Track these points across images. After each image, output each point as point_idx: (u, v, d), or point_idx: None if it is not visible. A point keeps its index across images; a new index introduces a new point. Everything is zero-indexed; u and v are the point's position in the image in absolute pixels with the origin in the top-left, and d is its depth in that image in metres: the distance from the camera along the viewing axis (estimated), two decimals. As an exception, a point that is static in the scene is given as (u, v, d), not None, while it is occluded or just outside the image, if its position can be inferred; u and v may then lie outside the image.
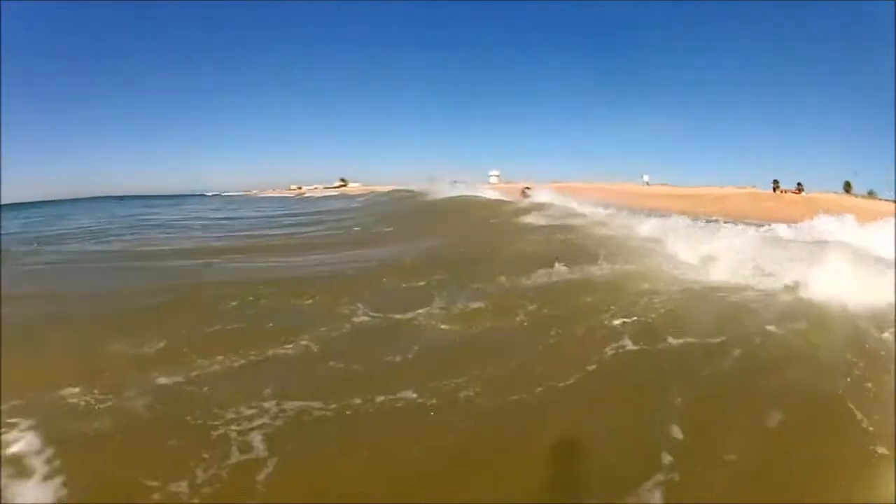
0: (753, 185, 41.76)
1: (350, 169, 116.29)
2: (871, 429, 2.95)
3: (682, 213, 14.57)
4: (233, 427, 2.91)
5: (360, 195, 39.46)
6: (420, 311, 5.00)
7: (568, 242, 8.75)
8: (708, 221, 9.04)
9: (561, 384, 3.48)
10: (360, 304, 5.18)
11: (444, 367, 3.74)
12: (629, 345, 4.06)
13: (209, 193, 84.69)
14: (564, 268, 6.36)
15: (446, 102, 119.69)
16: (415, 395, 3.32)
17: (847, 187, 38.60)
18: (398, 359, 3.92)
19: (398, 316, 4.91)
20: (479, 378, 3.54)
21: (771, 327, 4.31)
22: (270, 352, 4.04)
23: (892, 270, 5.01)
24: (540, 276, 6.15)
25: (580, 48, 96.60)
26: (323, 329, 4.53)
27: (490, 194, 19.84)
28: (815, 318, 4.55)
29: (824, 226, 8.07)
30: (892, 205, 30.52)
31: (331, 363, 3.85)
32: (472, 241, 9.81)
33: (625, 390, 3.51)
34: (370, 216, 17.57)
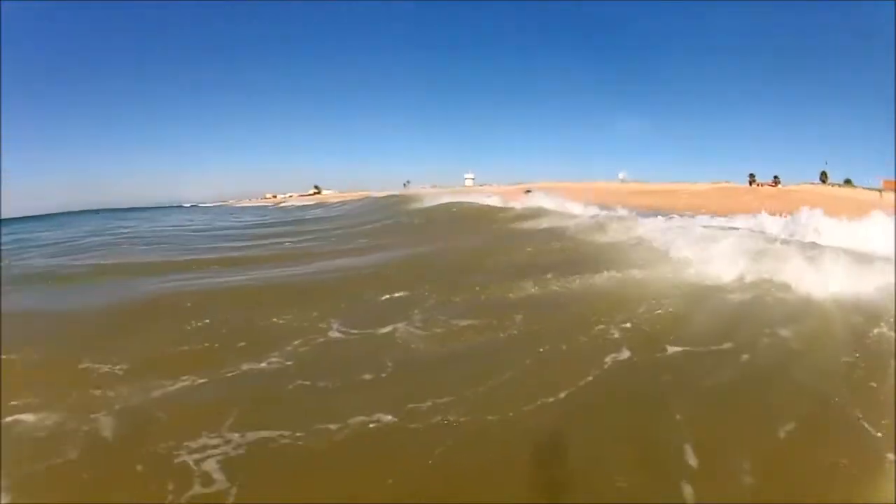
0: (727, 180, 42.77)
1: (322, 176, 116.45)
2: (877, 434, 2.85)
3: (660, 209, 14.73)
4: (196, 455, 2.75)
5: (341, 202, 38.87)
6: (399, 324, 4.72)
7: (564, 249, 8.50)
8: (692, 217, 9.01)
9: (552, 399, 3.24)
10: (334, 318, 4.94)
11: (425, 385, 3.48)
12: (627, 355, 3.85)
13: (187, 205, 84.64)
14: (553, 276, 6.13)
15: (419, 107, 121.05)
16: (391, 418, 3.08)
17: (823, 177, 39.72)
18: (374, 377, 3.69)
19: (375, 330, 4.64)
20: (462, 397, 3.29)
21: (770, 330, 4.20)
22: (240, 369, 3.85)
23: (875, 266, 5.01)
24: (531, 285, 5.89)
25: (555, 48, 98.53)
26: (296, 344, 4.32)
27: (491, 200, 18.92)
28: (814, 317, 4.46)
29: (809, 222, 8.07)
30: (872, 192, 31.36)
31: (301, 382, 3.63)
32: (460, 249, 9.54)
33: (624, 406, 3.26)
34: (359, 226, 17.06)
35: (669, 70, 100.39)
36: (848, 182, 38.67)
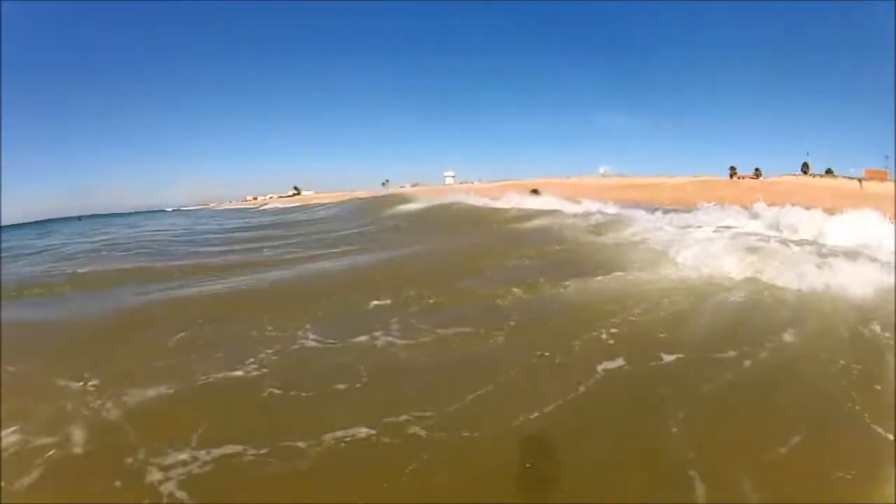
0: (709, 173, 43.28)
1: (301, 177, 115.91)
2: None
3: (644, 203, 14.76)
4: (163, 473, 2.67)
5: (319, 204, 38.30)
6: (379, 332, 4.50)
7: (559, 250, 8.28)
8: (667, 212, 8.99)
9: (537, 414, 3.03)
10: (312, 326, 4.77)
11: (404, 398, 3.31)
12: (621, 363, 3.65)
13: (169, 209, 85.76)
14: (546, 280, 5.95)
15: (396, 105, 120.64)
16: (365, 432, 2.93)
17: (805, 168, 40.45)
18: (351, 388, 3.52)
19: (355, 339, 4.43)
20: (443, 411, 3.09)
21: (769, 331, 4.12)
22: (214, 379, 3.73)
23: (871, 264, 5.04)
24: (521, 290, 5.68)
25: (534, 44, 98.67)
26: (270, 353, 4.18)
27: (478, 201, 18.49)
28: (811, 316, 4.40)
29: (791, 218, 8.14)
30: (852, 182, 32.01)
31: (276, 391, 3.51)
32: (450, 251, 9.35)
33: (617, 420, 3.05)
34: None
35: (649, 64, 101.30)
36: (829, 172, 39.42)
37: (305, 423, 3.08)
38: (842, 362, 3.57)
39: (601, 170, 52.70)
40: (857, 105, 79.37)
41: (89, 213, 73.67)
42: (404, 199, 24.72)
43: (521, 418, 3.01)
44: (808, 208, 8.74)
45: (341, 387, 3.55)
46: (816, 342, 3.93)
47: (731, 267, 5.77)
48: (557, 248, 8.43)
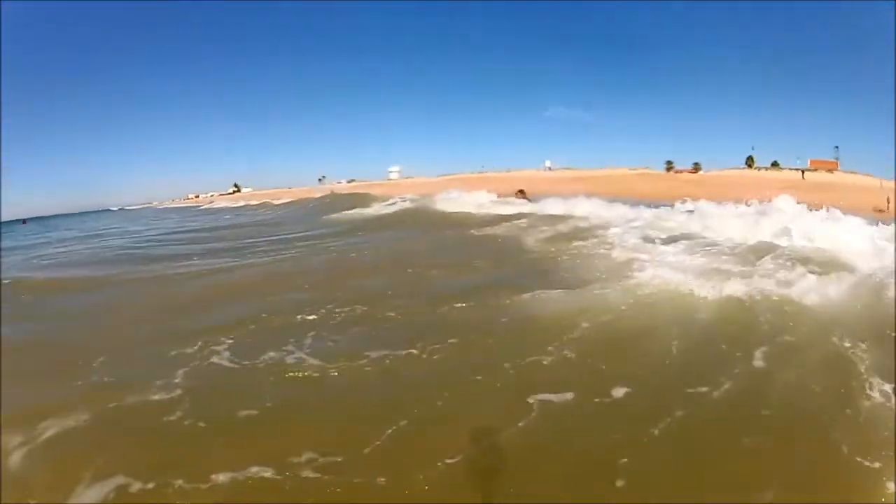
0: (646, 167, 45.01)
1: (240, 173, 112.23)
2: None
3: (594, 194, 14.84)
4: None
5: (260, 203, 36.45)
6: (293, 353, 3.98)
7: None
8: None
9: (457, 459, 2.54)
10: (226, 344, 4.26)
11: (310, 432, 2.87)
12: (565, 396, 3.09)
13: (114, 208, 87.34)
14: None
15: (334, 101, 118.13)
16: (261, 471, 2.49)
17: (749, 162, 42.72)
18: (253, 418, 3.06)
19: (267, 360, 3.89)
20: (349, 451, 2.65)
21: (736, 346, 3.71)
22: (115, 405, 3.32)
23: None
24: (465, 301, 5.15)
25: (476, 38, 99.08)
26: (180, 375, 3.72)
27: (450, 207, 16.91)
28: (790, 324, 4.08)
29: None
30: (795, 172, 33.95)
31: (172, 419, 3.08)
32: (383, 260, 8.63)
33: (548, 468, 2.55)
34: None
35: (589, 59, 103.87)
36: (775, 164, 41.75)
37: (193, 457, 2.69)
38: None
39: (546, 163, 53.45)
40: (807, 99, 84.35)
41: (35, 216, 71.03)
42: (378, 198, 23.73)
43: (441, 464, 2.52)
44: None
45: (245, 415, 3.09)
46: (785, 356, 3.59)
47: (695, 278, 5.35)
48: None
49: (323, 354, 3.93)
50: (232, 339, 4.38)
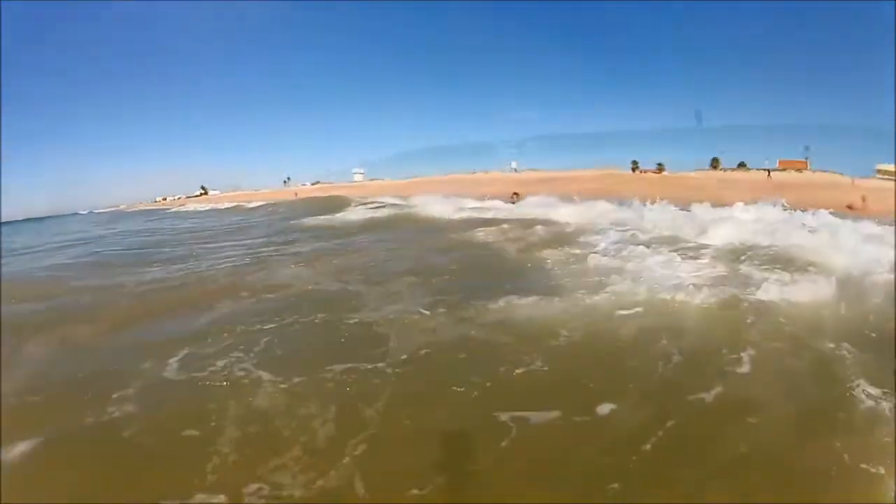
0: (613, 167, 45.77)
1: (206, 176, 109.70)
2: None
3: (565, 195, 14.89)
4: None
5: (252, 206, 34.96)
6: (244, 367, 3.64)
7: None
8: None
9: (436, 481, 2.33)
10: (180, 358, 3.94)
11: (255, 463, 2.55)
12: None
13: (83, 211, 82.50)
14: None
15: (295, 102, 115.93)
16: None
17: (714, 164, 43.84)
18: (198, 434, 2.84)
19: (218, 375, 3.58)
20: (322, 465, 2.44)
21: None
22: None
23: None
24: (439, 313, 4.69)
25: (442, 38, 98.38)
26: (130, 393, 3.42)
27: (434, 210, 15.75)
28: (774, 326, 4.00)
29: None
30: (762, 173, 34.90)
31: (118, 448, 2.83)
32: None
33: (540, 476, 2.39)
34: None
35: (551, 61, 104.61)
36: (742, 165, 42.81)
37: (128, 483, 2.53)
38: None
39: (513, 164, 53.40)
40: (775, 98, 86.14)
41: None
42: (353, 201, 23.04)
43: (409, 489, 2.30)
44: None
45: (187, 434, 2.86)
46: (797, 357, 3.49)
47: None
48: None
49: (277, 368, 3.60)
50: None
